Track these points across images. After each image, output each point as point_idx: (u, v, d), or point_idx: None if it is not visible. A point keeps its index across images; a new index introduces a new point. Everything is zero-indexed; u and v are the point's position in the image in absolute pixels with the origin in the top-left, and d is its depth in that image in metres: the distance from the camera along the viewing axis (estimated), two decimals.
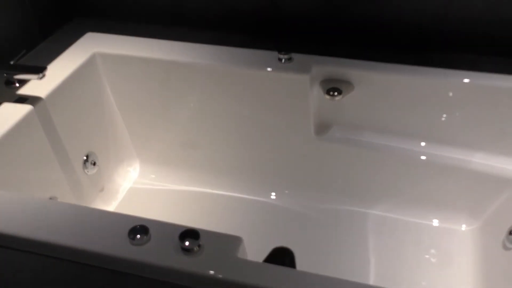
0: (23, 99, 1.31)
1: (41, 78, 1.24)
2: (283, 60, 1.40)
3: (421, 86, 1.33)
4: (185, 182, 1.65)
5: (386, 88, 1.37)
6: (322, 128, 1.48)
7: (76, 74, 1.44)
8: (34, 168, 1.31)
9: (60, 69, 1.42)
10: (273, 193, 1.58)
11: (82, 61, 1.46)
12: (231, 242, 0.91)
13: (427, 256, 1.38)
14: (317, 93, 1.42)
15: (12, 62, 1.37)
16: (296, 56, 1.42)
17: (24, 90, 1.34)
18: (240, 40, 1.54)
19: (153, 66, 1.50)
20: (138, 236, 0.91)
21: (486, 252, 1.32)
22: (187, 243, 0.89)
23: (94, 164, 1.53)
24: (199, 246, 0.90)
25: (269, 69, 1.39)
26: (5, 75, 1.29)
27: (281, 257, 1.02)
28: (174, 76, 1.50)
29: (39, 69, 1.24)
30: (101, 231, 0.93)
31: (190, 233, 0.90)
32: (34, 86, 1.35)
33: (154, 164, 1.69)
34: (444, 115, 1.36)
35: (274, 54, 1.42)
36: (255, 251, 1.34)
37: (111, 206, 1.59)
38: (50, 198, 1.36)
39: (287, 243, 1.42)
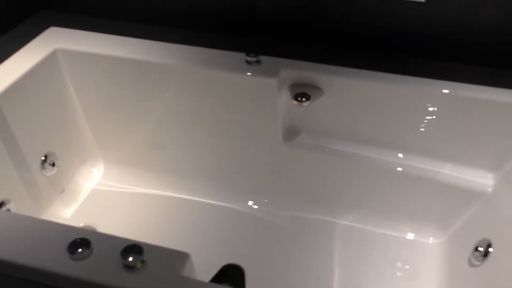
0: None
1: None
2: (251, 63, 1.35)
3: (393, 95, 1.29)
4: (151, 185, 1.59)
5: (357, 95, 1.32)
6: (291, 134, 1.43)
7: (34, 71, 1.37)
8: None
9: (17, 65, 1.36)
10: (238, 200, 1.54)
11: (41, 57, 1.40)
12: (177, 258, 0.86)
13: (393, 268, 1.34)
14: (285, 97, 1.37)
15: None
16: (264, 59, 1.36)
17: None
18: (211, 39, 1.49)
19: (119, 65, 1.43)
20: (79, 250, 0.86)
21: (452, 267, 1.28)
22: (130, 259, 0.84)
23: (53, 165, 1.47)
24: (142, 262, 0.84)
25: (236, 71, 1.34)
26: None
27: (231, 275, 0.97)
28: (141, 76, 1.44)
29: None
30: (40, 243, 0.87)
31: (134, 248, 0.85)
32: None
33: (119, 165, 1.63)
34: (416, 125, 1.32)
35: (242, 56, 1.37)
36: (212, 261, 1.30)
37: (71, 208, 1.53)
38: (3, 201, 1.30)
39: (248, 252, 1.38)
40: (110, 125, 1.58)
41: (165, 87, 1.44)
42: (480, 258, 1.17)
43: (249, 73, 1.33)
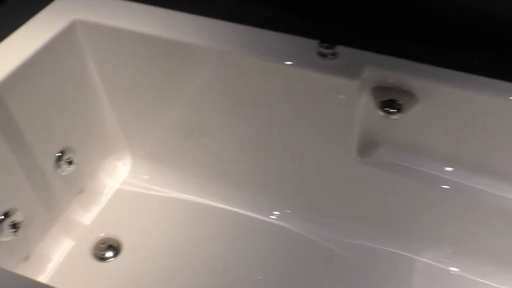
0: None
1: None
2: (325, 56, 1.02)
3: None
4: (187, 190, 1.31)
5: (464, 107, 0.99)
6: (368, 147, 1.12)
7: (47, 49, 1.09)
8: None
9: (25, 42, 1.07)
10: (293, 219, 1.24)
11: (56, 31, 1.10)
12: None
13: None
14: (366, 102, 1.05)
15: None
16: (342, 51, 1.03)
17: None
18: (269, 17, 1.15)
19: (151, 44, 1.13)
20: None
21: None
22: None
23: (70, 163, 1.20)
24: None
25: (305, 66, 1.02)
26: None
27: None
28: (177, 59, 1.14)
29: None
30: None
31: None
32: None
33: (149, 161, 1.36)
34: None
35: (313, 45, 1.04)
36: None
37: (92, 213, 1.27)
38: (8, 211, 1.04)
39: (301, 285, 1.12)
40: (138, 112, 1.29)
41: (209, 75, 1.15)
42: None
43: (321, 70, 1.01)
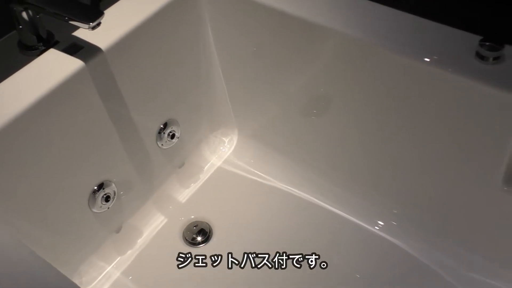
0: (76, 47, 0.91)
1: (93, 28, 0.80)
2: (485, 59, 0.81)
3: None
4: (288, 180, 1.18)
5: None
6: None
7: (165, 11, 1.00)
8: (82, 145, 0.94)
9: (143, 3, 0.98)
10: (409, 238, 1.07)
11: None
12: None
13: None
14: None
15: None
16: (509, 52, 0.81)
17: (81, 33, 0.93)
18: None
19: (277, 19, 1.00)
20: None
21: None
22: None
23: (173, 136, 1.12)
24: None
25: (453, 70, 0.82)
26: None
27: None
28: (304, 40, 1.00)
29: (90, 15, 0.80)
30: None
31: None
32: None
33: (255, 141, 1.24)
34: None
35: (475, 42, 0.83)
36: None
37: (189, 190, 1.19)
38: (103, 183, 0.99)
39: None
40: (251, 87, 1.18)
41: (330, 56, 1.00)
42: None
43: (475, 77, 0.81)
